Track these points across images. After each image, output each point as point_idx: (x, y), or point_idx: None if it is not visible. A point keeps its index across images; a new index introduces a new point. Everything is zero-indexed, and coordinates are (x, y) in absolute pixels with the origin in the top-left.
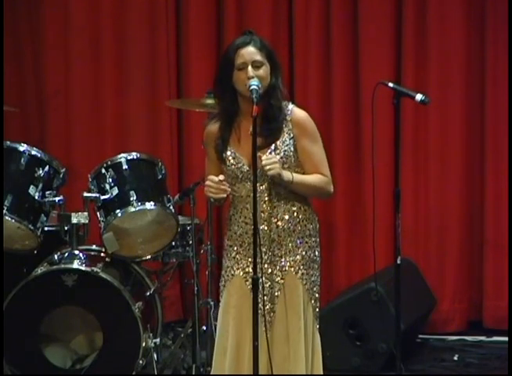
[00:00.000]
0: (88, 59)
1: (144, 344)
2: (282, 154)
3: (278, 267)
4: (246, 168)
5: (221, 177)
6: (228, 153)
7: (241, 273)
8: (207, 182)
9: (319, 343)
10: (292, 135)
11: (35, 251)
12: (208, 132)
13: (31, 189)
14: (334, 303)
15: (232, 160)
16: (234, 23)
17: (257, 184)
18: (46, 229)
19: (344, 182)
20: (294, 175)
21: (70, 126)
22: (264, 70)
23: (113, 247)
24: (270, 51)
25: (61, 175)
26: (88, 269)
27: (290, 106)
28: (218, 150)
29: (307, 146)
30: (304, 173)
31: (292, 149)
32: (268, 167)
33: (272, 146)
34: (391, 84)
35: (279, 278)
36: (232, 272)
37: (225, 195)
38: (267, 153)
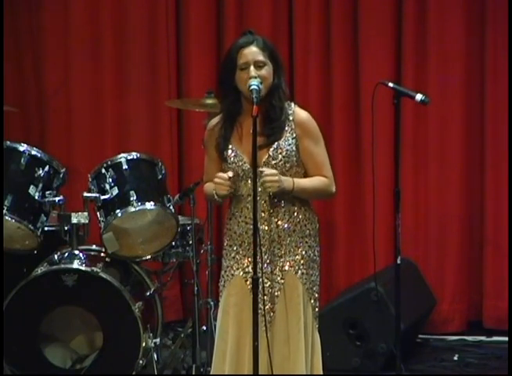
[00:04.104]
0: (88, 59)
1: (144, 344)
2: (284, 154)
3: (278, 267)
4: (247, 166)
5: (231, 174)
6: (230, 151)
7: (241, 273)
8: (217, 180)
9: (318, 343)
10: (294, 135)
11: (35, 251)
12: (210, 131)
13: (31, 189)
14: (334, 303)
15: (233, 159)
16: (234, 23)
17: (258, 183)
18: (46, 229)
19: (344, 182)
20: (295, 182)
21: (70, 126)
22: (266, 70)
23: (113, 247)
24: (273, 51)
25: (61, 175)
26: (88, 269)
27: (293, 106)
28: (219, 148)
29: (309, 146)
30: (305, 172)
31: (294, 148)
32: (266, 184)
33: (275, 145)
34: (391, 84)
35: (279, 278)
36: (232, 272)
37: (231, 191)
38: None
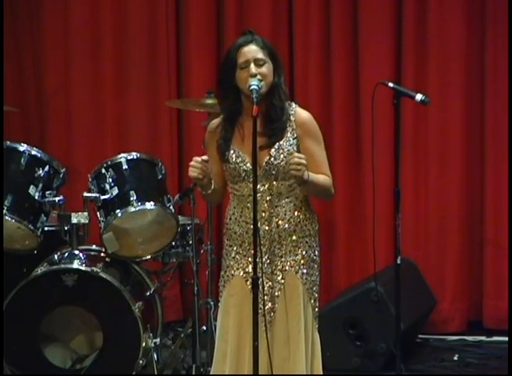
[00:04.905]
0: (88, 59)
1: (144, 344)
2: (285, 154)
3: (278, 267)
4: (249, 166)
5: (205, 157)
6: (232, 152)
7: (241, 273)
8: (191, 163)
9: (318, 343)
10: (295, 136)
11: (35, 251)
12: (211, 133)
13: (31, 189)
14: (334, 303)
15: (235, 159)
16: (234, 23)
17: (259, 184)
18: (46, 229)
19: (344, 182)
20: (310, 174)
21: (70, 126)
22: (267, 68)
23: (113, 247)
24: (272, 50)
25: (61, 175)
26: (88, 269)
27: (294, 106)
28: (221, 150)
29: (310, 146)
30: None
31: (295, 149)
32: (296, 166)
33: (276, 146)
34: (391, 84)
35: (279, 278)
36: (232, 272)
37: (204, 177)
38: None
